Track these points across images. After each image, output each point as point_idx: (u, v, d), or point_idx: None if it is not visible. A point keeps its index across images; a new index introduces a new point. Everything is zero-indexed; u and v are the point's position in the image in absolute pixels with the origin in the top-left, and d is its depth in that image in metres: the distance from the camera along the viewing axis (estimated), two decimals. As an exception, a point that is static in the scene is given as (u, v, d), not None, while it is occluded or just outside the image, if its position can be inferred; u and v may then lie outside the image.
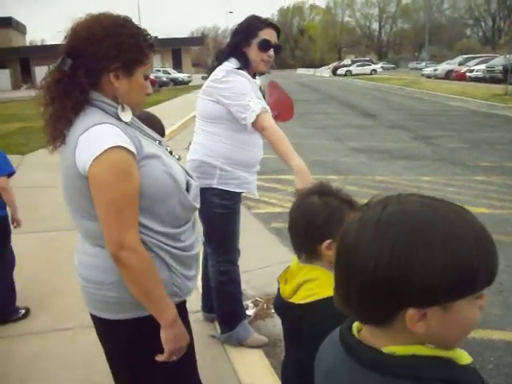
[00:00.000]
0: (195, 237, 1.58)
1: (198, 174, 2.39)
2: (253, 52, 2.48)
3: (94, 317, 1.54)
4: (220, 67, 2.49)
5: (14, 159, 7.44)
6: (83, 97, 1.35)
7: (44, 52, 30.33)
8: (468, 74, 28.80)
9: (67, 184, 1.40)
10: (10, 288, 3.17)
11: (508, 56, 22.73)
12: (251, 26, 2.49)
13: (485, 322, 3.04)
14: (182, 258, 1.49)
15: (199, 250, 1.63)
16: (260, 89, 2.64)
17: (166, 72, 35.88)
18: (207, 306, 2.99)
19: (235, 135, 2.50)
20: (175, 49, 46.15)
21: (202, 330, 2.94)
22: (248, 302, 3.27)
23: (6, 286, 3.14)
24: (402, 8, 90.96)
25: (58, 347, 2.87)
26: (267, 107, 2.42)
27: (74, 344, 2.87)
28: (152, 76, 1.90)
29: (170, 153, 1.58)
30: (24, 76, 39.77)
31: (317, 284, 1.28)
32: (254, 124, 2.35)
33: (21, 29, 48.23)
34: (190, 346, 1.54)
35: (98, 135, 1.31)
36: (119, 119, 1.39)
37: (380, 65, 55.74)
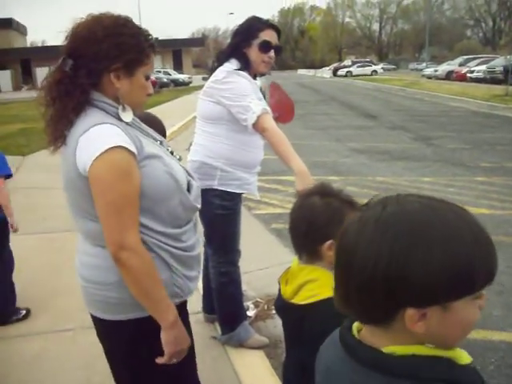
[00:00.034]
0: (196, 237, 1.58)
1: (198, 175, 2.38)
2: (253, 53, 2.48)
3: (94, 317, 1.53)
4: (221, 68, 2.49)
5: (14, 160, 7.51)
6: (84, 97, 1.35)
7: (45, 53, 30.40)
8: (468, 74, 28.76)
9: (68, 184, 1.40)
10: (9, 290, 3.17)
11: (508, 57, 22.69)
12: (252, 27, 2.49)
13: (485, 322, 3.04)
14: (183, 258, 1.49)
15: (201, 250, 1.62)
16: (260, 90, 2.64)
17: (166, 73, 35.90)
18: (208, 307, 2.99)
19: (236, 136, 2.50)
20: (176, 50, 46.20)
21: (203, 330, 2.94)
22: (249, 303, 3.27)
23: (5, 288, 3.14)
24: (402, 9, 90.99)
25: (59, 348, 2.86)
26: (268, 108, 2.42)
27: (74, 345, 2.87)
28: (153, 77, 1.90)
29: (171, 153, 1.58)
30: (25, 77, 39.85)
31: (318, 285, 1.28)
32: (254, 125, 2.35)
33: (21, 30, 48.30)
34: (191, 348, 1.54)
35: (98, 135, 1.31)
36: (120, 119, 1.39)
37: (381, 66, 55.85)
